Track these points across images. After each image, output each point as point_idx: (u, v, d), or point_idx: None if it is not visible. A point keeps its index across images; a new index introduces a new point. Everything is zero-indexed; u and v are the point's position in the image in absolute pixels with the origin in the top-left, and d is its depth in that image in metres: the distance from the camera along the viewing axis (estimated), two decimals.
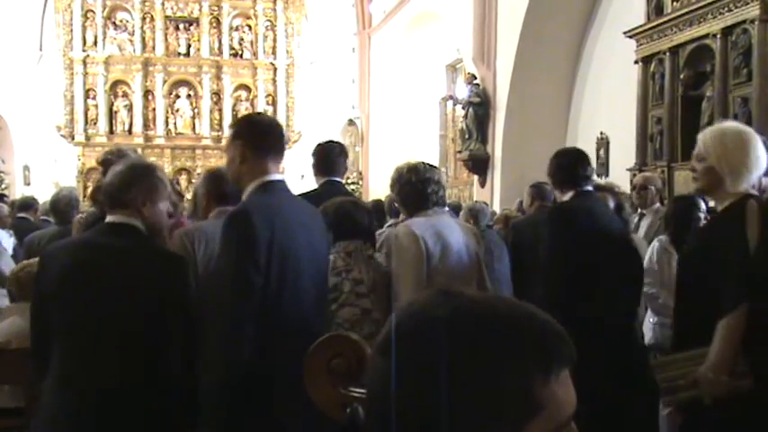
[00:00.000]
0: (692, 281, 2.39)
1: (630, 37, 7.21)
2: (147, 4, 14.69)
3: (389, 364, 0.66)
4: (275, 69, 15.23)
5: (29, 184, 14.14)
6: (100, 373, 2.08)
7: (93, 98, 14.55)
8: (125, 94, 14.73)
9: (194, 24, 15.00)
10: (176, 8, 14.88)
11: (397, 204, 3.37)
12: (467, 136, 10.32)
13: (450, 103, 12.21)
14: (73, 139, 14.41)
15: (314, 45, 15.60)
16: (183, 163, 14.73)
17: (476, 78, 10.27)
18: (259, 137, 2.30)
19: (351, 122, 15.59)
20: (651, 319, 3.82)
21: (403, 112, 14.66)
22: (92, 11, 14.53)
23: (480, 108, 10.11)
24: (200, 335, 2.14)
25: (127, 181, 2.21)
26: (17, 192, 13.01)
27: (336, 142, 3.97)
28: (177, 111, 15.01)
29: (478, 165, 10.34)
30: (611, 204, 3.52)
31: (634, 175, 6.69)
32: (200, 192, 3.06)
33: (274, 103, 15.26)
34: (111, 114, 14.68)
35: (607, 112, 8.77)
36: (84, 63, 14.43)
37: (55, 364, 2.12)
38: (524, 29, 9.21)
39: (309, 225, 2.35)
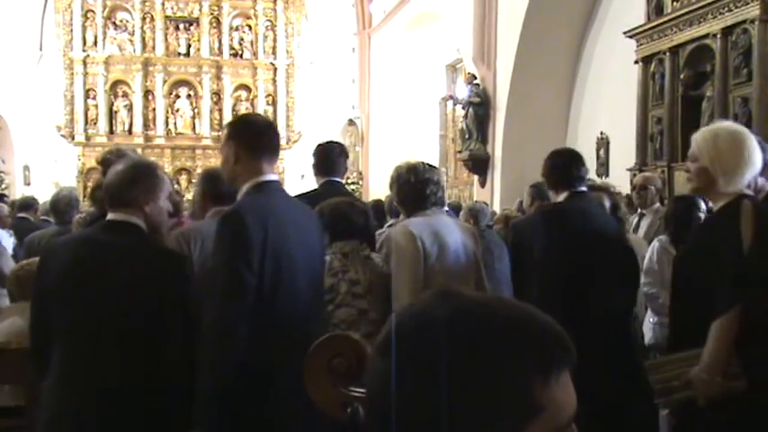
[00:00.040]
0: (687, 281, 2.39)
1: (630, 37, 7.21)
2: (147, 4, 14.70)
3: (389, 365, 0.66)
4: (275, 69, 15.24)
5: (29, 184, 14.14)
6: (100, 373, 2.08)
7: (94, 98, 14.56)
8: (125, 94, 14.74)
9: (194, 24, 15.02)
10: (176, 8, 14.89)
11: (395, 204, 3.37)
12: (467, 136, 10.33)
13: (450, 103, 12.21)
14: (73, 139, 14.42)
15: (314, 45, 15.61)
16: (183, 163, 14.74)
17: (476, 78, 10.27)
18: (253, 137, 2.31)
19: (351, 122, 15.59)
20: (651, 319, 3.82)
21: (403, 112, 14.66)
22: (92, 11, 14.55)
23: (480, 108, 10.11)
24: (199, 334, 2.14)
25: (130, 179, 2.21)
26: (17, 192, 13.01)
27: (336, 143, 3.97)
28: (177, 111, 15.02)
29: (478, 165, 10.34)
30: (607, 204, 3.52)
31: (634, 175, 6.69)
32: (197, 191, 3.06)
33: (274, 103, 15.27)
34: (111, 114, 14.69)
35: (607, 112, 8.78)
36: (85, 63, 14.44)
37: (55, 363, 2.12)
38: (524, 29, 9.21)
39: (304, 225, 2.35)
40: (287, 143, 15.15)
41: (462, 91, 10.89)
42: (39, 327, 2.19)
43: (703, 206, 3.65)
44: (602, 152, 8.81)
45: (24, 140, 14.32)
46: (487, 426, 0.63)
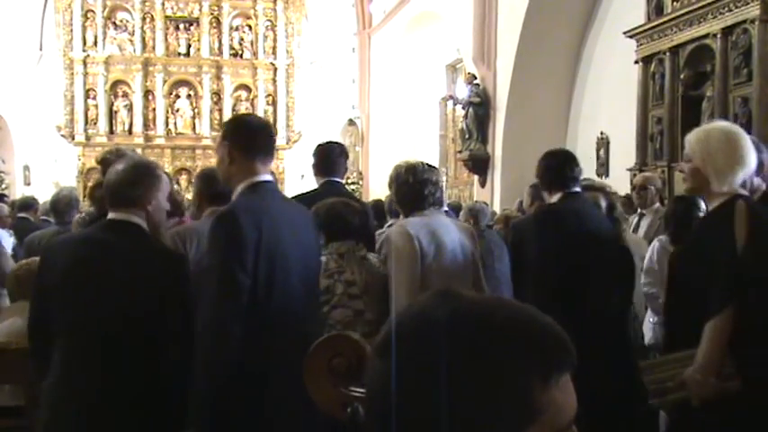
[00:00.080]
0: (683, 281, 2.39)
1: (630, 37, 7.21)
2: (147, 4, 14.70)
3: (387, 366, 0.66)
4: (275, 69, 15.24)
5: (29, 184, 14.14)
6: (100, 373, 2.08)
7: (94, 98, 14.56)
8: (125, 94, 14.74)
9: (194, 24, 15.01)
10: (176, 8, 14.89)
11: (394, 203, 3.37)
12: (467, 136, 10.33)
13: (450, 103, 12.21)
14: (73, 139, 14.42)
15: (314, 45, 15.61)
16: (183, 163, 14.74)
17: (476, 78, 10.27)
18: (247, 138, 2.31)
19: (351, 122, 15.59)
20: (651, 319, 3.82)
21: (403, 112, 14.66)
22: (92, 11, 14.55)
23: (480, 108, 10.11)
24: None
25: (132, 179, 2.21)
26: (17, 192, 13.01)
27: (336, 143, 3.98)
28: (177, 111, 15.02)
29: (478, 165, 10.34)
30: (603, 204, 3.52)
31: (634, 175, 6.69)
32: (193, 191, 3.07)
33: (274, 103, 15.28)
34: (112, 114, 14.69)
35: (607, 112, 8.78)
36: (85, 63, 14.44)
37: (55, 363, 2.12)
38: (524, 29, 9.21)
39: (299, 225, 2.35)
40: (287, 143, 15.17)
41: (462, 91, 10.89)
42: (38, 326, 2.19)
43: (703, 206, 3.64)
44: (602, 152, 8.81)
45: (24, 140, 14.32)
46: (486, 427, 0.63)
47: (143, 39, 14.70)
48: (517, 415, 0.63)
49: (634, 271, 3.41)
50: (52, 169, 14.11)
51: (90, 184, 12.33)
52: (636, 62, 7.16)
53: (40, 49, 14.71)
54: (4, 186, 13.13)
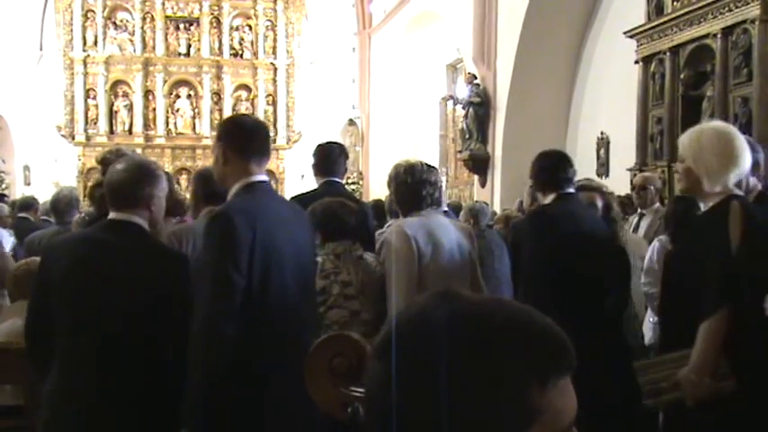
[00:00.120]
0: (678, 281, 2.39)
1: (631, 37, 7.21)
2: (147, 3, 14.70)
3: (385, 368, 0.66)
4: (275, 69, 15.24)
5: (29, 184, 14.14)
6: (100, 373, 2.08)
7: (94, 98, 14.56)
8: (125, 94, 14.74)
9: (195, 24, 15.02)
10: (177, 8, 14.90)
11: (392, 203, 3.38)
12: (467, 136, 10.33)
13: (450, 103, 12.21)
14: (73, 138, 14.43)
15: (314, 45, 15.61)
16: (183, 163, 14.74)
17: (476, 78, 10.27)
18: (240, 139, 2.31)
19: (351, 122, 15.59)
20: (651, 319, 3.82)
21: (403, 112, 14.66)
22: (92, 11, 14.55)
23: (480, 108, 10.11)
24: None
25: (136, 179, 2.21)
26: (17, 192, 13.01)
27: (336, 143, 3.98)
28: (177, 111, 15.02)
29: (479, 165, 10.34)
30: (600, 204, 3.51)
31: (634, 175, 6.69)
32: (190, 192, 3.07)
33: (274, 103, 15.28)
34: (112, 114, 14.69)
35: (607, 112, 8.77)
36: (85, 63, 14.45)
37: (55, 363, 2.12)
38: (524, 29, 9.21)
39: (294, 225, 2.35)
40: (287, 143, 15.17)
41: (462, 91, 10.89)
42: (35, 325, 2.19)
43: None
44: (602, 152, 8.81)
45: (24, 140, 14.32)
46: (486, 428, 0.63)
47: (143, 39, 14.71)
48: (516, 416, 0.63)
49: (630, 271, 3.40)
50: (52, 169, 14.10)
51: (90, 183, 12.33)
52: (636, 62, 7.16)
53: (41, 49, 14.71)
54: (4, 186, 13.13)
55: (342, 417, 0.97)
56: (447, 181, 12.10)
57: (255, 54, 15.22)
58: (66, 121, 14.43)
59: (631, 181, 6.44)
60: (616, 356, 3.06)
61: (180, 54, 14.97)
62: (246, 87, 15.25)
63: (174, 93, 14.98)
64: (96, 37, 14.56)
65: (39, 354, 2.19)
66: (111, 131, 14.60)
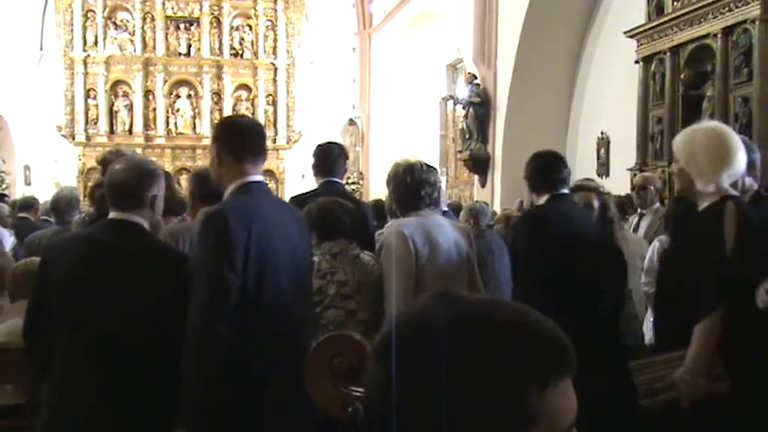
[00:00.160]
0: (673, 281, 2.39)
1: (631, 37, 7.21)
2: (147, 3, 14.71)
3: (384, 370, 0.66)
4: (276, 69, 15.25)
5: (29, 184, 14.14)
6: (100, 373, 2.08)
7: (94, 98, 14.57)
8: (125, 94, 14.75)
9: (195, 24, 15.02)
10: (177, 8, 14.90)
11: (391, 203, 3.37)
12: (467, 136, 10.33)
13: (450, 103, 12.21)
14: (73, 138, 14.43)
15: (314, 45, 15.61)
16: (183, 163, 14.74)
17: (476, 78, 10.27)
18: (235, 140, 2.32)
19: (351, 122, 15.60)
20: (652, 319, 3.81)
21: (403, 112, 14.66)
22: (92, 11, 14.56)
23: (480, 108, 10.11)
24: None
25: (138, 178, 2.21)
26: (17, 192, 13.01)
27: (336, 143, 3.98)
28: (178, 111, 15.03)
29: (479, 165, 10.34)
30: (596, 204, 3.51)
31: (634, 175, 6.69)
32: (187, 192, 3.07)
33: (275, 103, 15.28)
34: (112, 114, 14.70)
35: (608, 111, 8.77)
36: (85, 63, 14.45)
37: (55, 363, 2.12)
38: (524, 29, 9.21)
39: (289, 225, 2.36)
40: (287, 143, 15.18)
41: (462, 91, 10.89)
42: (34, 324, 2.19)
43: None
44: (602, 152, 8.81)
45: (25, 140, 14.32)
46: (485, 430, 0.63)
47: (143, 39, 14.71)
48: (515, 418, 0.63)
49: (626, 271, 3.40)
50: (52, 169, 14.11)
51: (90, 184, 12.33)
52: (636, 62, 7.16)
53: (41, 49, 14.71)
54: (4, 186, 13.14)
55: (342, 417, 0.97)
56: (447, 181, 12.11)
57: (256, 54, 15.22)
58: (67, 121, 14.43)
59: (631, 181, 6.44)
60: (613, 357, 3.05)
61: (180, 54, 14.97)
62: (247, 87, 15.25)
63: (175, 93, 14.98)
64: (96, 37, 14.57)
65: (38, 353, 2.19)
66: (112, 131, 14.60)
